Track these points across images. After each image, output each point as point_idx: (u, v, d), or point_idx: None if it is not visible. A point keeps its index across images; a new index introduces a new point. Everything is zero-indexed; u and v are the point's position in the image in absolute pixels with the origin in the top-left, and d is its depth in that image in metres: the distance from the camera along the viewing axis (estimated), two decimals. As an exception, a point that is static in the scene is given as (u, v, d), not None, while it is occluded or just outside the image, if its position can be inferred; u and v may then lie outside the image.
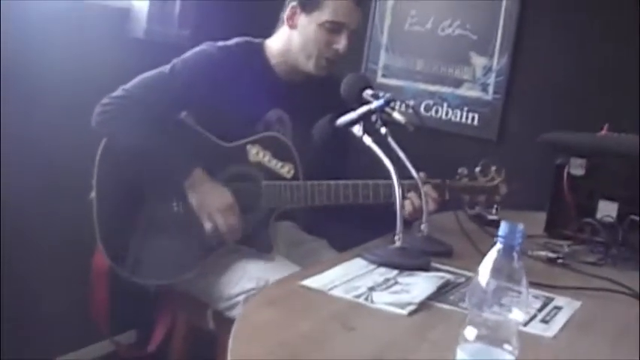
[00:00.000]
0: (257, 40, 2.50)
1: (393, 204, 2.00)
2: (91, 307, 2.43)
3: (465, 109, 3.49)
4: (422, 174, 2.14)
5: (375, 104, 2.04)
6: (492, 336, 1.05)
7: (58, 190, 2.89)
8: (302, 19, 2.38)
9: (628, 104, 3.08)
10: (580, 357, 1.42)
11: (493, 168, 2.36)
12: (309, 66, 2.40)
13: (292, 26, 2.40)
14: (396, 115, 2.03)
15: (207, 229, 2.28)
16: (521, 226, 1.05)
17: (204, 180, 2.29)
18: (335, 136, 2.15)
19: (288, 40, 2.42)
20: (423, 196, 2.06)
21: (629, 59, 3.13)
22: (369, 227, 2.24)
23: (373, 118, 2.07)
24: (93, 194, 2.34)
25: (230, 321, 1.34)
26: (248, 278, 2.26)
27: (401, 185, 1.96)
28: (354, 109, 2.10)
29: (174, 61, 2.38)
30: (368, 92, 2.11)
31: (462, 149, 3.41)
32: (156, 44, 3.33)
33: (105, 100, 2.32)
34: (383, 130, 2.06)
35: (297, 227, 2.68)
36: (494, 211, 2.39)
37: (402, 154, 2.05)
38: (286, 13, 2.40)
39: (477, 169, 2.35)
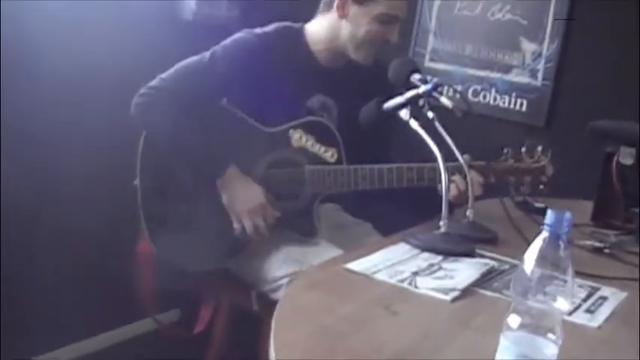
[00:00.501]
0: (296, 26, 2.48)
1: (438, 187, 1.99)
2: (138, 289, 2.47)
3: (514, 94, 3.46)
4: (466, 156, 2.11)
5: (422, 88, 2.03)
6: (536, 324, 1.04)
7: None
8: (354, 9, 2.34)
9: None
10: (625, 348, 1.40)
11: (539, 148, 2.31)
12: (359, 55, 2.38)
13: (342, 15, 2.36)
14: (444, 100, 2.02)
15: (235, 229, 2.29)
16: (568, 215, 1.04)
17: (236, 179, 2.29)
18: (382, 120, 2.14)
19: (336, 29, 2.39)
20: (469, 180, 2.05)
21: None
22: (413, 210, 2.24)
23: (420, 102, 2.06)
24: (137, 181, 2.37)
25: (274, 303, 1.34)
26: (292, 261, 2.28)
27: (447, 169, 1.95)
28: (400, 94, 2.09)
29: (214, 48, 2.38)
30: (415, 76, 2.10)
31: (510, 135, 3.38)
32: (205, 26, 3.34)
33: (142, 90, 2.34)
34: (430, 114, 2.06)
35: (341, 210, 2.68)
36: (541, 188, 2.33)
37: (448, 138, 2.04)
38: (336, 2, 2.36)
39: (523, 150, 2.31)
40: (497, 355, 1.07)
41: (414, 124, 2.01)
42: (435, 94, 2.03)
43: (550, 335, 1.04)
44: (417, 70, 2.12)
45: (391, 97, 2.12)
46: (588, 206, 2.51)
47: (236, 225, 2.29)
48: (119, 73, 2.86)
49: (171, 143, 2.32)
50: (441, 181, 1.97)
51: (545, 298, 1.04)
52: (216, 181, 2.29)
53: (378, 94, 2.23)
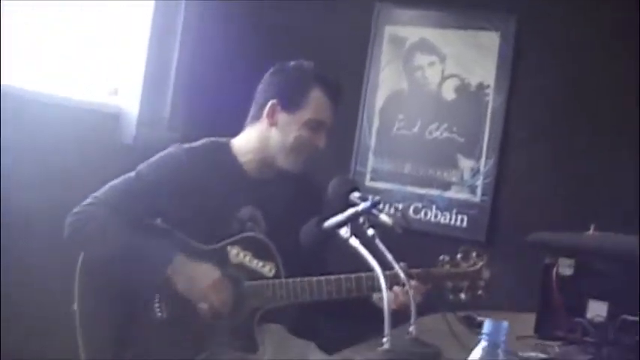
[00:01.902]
0: (223, 140, 2.52)
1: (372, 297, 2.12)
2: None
3: (454, 211, 3.52)
4: (403, 264, 2.12)
5: (362, 206, 2.05)
6: None
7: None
8: (283, 117, 2.41)
9: (615, 204, 3.11)
10: None
11: (474, 253, 2.36)
12: (288, 163, 2.43)
13: (272, 123, 2.42)
14: (383, 218, 2.04)
15: (202, 309, 2.28)
16: (505, 323, 1.06)
17: (187, 262, 2.30)
18: (322, 238, 2.15)
19: (265, 138, 2.44)
20: (408, 289, 2.05)
21: (616, 161, 3.18)
22: (352, 324, 2.26)
23: (361, 220, 2.08)
24: (75, 306, 2.34)
25: None
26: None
27: (388, 283, 1.97)
28: (332, 207, 2.11)
29: (140, 166, 2.42)
30: (355, 194, 2.12)
31: (451, 251, 3.41)
32: (145, 149, 3.36)
33: (75, 210, 2.35)
34: (370, 231, 2.07)
35: (284, 330, 2.66)
36: (479, 293, 2.35)
37: (388, 254, 2.05)
38: (265, 111, 2.42)
39: (459, 256, 2.35)
40: None
41: (354, 242, 2.02)
42: (374, 211, 2.06)
43: None
44: (356, 189, 2.15)
45: (326, 215, 2.14)
46: (531, 318, 2.52)
47: (203, 305, 2.27)
48: (60, 195, 2.87)
49: (111, 251, 2.30)
50: (376, 291, 2.02)
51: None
52: (162, 279, 2.28)
53: (307, 205, 2.33)
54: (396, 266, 2.06)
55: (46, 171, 3.00)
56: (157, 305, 2.32)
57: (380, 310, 2.23)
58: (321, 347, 2.57)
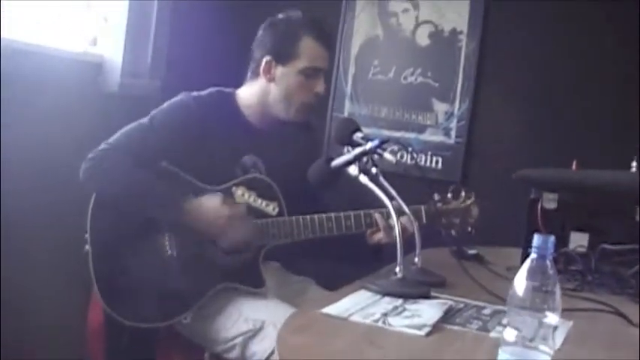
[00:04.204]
0: (228, 90, 2.60)
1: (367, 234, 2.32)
2: (89, 351, 2.49)
3: (429, 153, 3.65)
4: (395, 202, 2.24)
5: (369, 145, 2.17)
6: (530, 337, 1.16)
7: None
8: (279, 71, 2.49)
9: (591, 143, 3.28)
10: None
11: (463, 193, 2.55)
12: (290, 113, 2.52)
13: (270, 79, 2.51)
14: (388, 156, 2.17)
15: (226, 242, 2.39)
16: (552, 238, 1.17)
17: (198, 203, 2.38)
18: (330, 176, 2.26)
19: (265, 92, 2.52)
20: (416, 230, 2.18)
21: (589, 100, 3.35)
22: (348, 261, 2.40)
23: (364, 159, 2.20)
24: (87, 247, 2.41)
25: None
26: (244, 320, 2.35)
27: (386, 213, 2.15)
28: (328, 153, 2.23)
29: (153, 112, 2.49)
30: (358, 135, 2.25)
31: (428, 191, 3.54)
32: (128, 97, 3.41)
33: (89, 155, 2.41)
34: (374, 170, 2.19)
35: (283, 269, 2.78)
36: (470, 230, 2.52)
37: (392, 190, 2.19)
38: (262, 67, 2.50)
39: (449, 195, 2.52)
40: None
41: (363, 178, 2.15)
42: (379, 150, 2.18)
43: (543, 347, 1.16)
44: (358, 129, 2.27)
45: (328, 155, 2.28)
46: (515, 252, 2.67)
47: (225, 238, 2.38)
48: (52, 158, 2.93)
49: (126, 193, 2.39)
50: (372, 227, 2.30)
51: (536, 313, 1.16)
52: (175, 221, 2.37)
53: (306, 152, 2.50)
54: (401, 201, 2.20)
55: (33, 120, 3.02)
56: (166, 243, 2.40)
57: (372, 247, 2.43)
58: (319, 284, 2.71)
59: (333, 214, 2.42)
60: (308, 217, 2.42)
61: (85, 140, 2.46)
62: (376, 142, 2.17)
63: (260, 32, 2.57)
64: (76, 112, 3.14)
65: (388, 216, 2.30)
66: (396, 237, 2.08)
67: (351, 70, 3.80)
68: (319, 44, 2.50)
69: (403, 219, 2.22)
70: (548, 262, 1.17)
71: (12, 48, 2.94)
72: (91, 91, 3.37)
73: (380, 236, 2.41)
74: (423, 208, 2.46)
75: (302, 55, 2.48)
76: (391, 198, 2.16)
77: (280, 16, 2.56)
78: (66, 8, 3.44)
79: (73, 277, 2.59)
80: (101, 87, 3.43)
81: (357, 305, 1.81)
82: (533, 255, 1.18)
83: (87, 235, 2.40)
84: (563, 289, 2.21)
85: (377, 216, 2.38)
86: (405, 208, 2.21)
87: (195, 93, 2.53)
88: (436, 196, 2.51)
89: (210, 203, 2.39)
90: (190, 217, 2.37)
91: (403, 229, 2.15)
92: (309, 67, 2.48)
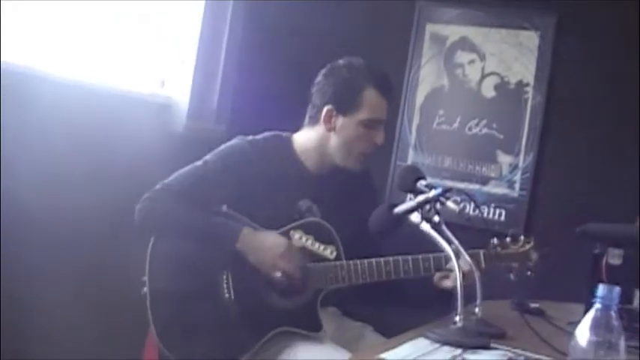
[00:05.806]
0: (285, 134, 2.63)
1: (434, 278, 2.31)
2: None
3: (492, 205, 3.62)
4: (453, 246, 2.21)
5: (432, 193, 2.17)
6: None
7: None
8: (340, 121, 2.50)
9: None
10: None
11: (522, 237, 2.50)
12: (348, 162, 2.54)
13: (330, 129, 2.52)
14: (451, 204, 2.16)
15: (276, 278, 2.39)
16: (617, 288, 1.15)
17: (256, 234, 2.41)
18: (392, 223, 2.26)
19: (324, 140, 2.54)
20: (477, 279, 2.15)
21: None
22: (409, 307, 2.38)
23: (427, 206, 2.19)
24: (145, 289, 2.44)
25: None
26: (299, 362, 2.34)
27: (445, 259, 2.18)
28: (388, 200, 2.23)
29: (207, 156, 2.52)
30: (422, 182, 2.24)
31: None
32: (193, 139, 3.46)
33: (145, 195, 2.46)
34: (436, 218, 2.19)
35: (340, 313, 2.77)
36: (529, 274, 2.47)
37: (454, 239, 2.17)
38: (322, 116, 2.52)
39: (508, 239, 2.48)
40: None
41: (426, 226, 2.14)
42: (442, 198, 2.17)
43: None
44: (422, 177, 2.27)
45: (387, 203, 2.27)
46: (577, 308, 2.62)
47: (276, 273, 2.39)
48: (113, 182, 2.99)
49: (179, 229, 2.44)
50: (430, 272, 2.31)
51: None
52: (231, 256, 2.39)
53: (362, 199, 2.50)
54: (461, 249, 2.18)
55: (98, 160, 3.10)
56: (225, 285, 2.42)
57: (438, 292, 2.40)
58: (377, 330, 2.69)
59: (391, 258, 2.41)
60: (366, 261, 2.42)
61: (150, 178, 2.51)
62: (440, 190, 2.16)
63: (320, 78, 2.58)
64: (144, 152, 3.20)
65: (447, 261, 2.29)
66: (458, 283, 2.06)
67: (416, 119, 3.81)
68: (381, 95, 2.51)
69: (465, 266, 2.20)
70: (612, 313, 1.15)
71: (91, 90, 3.05)
72: (157, 131, 3.44)
73: (448, 283, 2.37)
74: (481, 252, 2.43)
75: (364, 106, 2.48)
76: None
77: (341, 62, 2.57)
78: (135, 49, 3.53)
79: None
80: (168, 127, 3.50)
81: (415, 353, 1.79)
82: (597, 305, 1.16)
83: (144, 278, 2.44)
84: (626, 346, 2.21)
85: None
86: (464, 253, 2.18)
87: (250, 137, 2.56)
88: (495, 241, 2.48)
89: (270, 236, 2.42)
90: (249, 248, 2.39)
91: (465, 275, 2.13)
92: (371, 119, 2.49)
